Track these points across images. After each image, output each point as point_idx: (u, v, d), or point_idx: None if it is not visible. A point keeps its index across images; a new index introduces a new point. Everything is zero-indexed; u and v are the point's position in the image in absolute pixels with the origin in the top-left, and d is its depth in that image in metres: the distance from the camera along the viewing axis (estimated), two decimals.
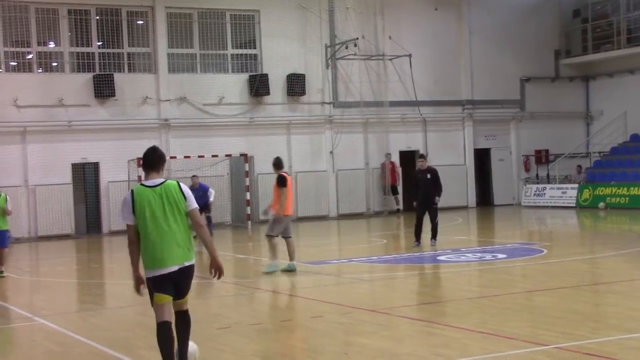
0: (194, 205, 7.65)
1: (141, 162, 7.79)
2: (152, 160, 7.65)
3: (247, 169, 27.60)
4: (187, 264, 7.57)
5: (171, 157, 27.29)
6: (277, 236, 15.22)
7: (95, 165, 27.16)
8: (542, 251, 17.13)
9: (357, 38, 29.58)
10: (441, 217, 19.17)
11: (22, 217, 25.94)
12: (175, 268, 7.50)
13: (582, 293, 12.07)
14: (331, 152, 30.25)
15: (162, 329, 7.49)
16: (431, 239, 18.46)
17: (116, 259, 21.26)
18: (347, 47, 29.66)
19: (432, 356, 8.29)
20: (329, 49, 30.25)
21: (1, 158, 25.87)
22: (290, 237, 15.33)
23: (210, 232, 24.26)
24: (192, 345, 7.89)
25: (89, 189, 27.60)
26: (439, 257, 16.70)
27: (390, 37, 30.93)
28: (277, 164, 15.69)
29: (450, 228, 23.37)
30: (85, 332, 10.49)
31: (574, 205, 29.97)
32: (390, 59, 30.75)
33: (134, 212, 7.46)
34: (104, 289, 15.45)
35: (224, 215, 28.14)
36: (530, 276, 14.36)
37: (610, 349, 8.28)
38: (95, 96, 26.94)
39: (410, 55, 30.52)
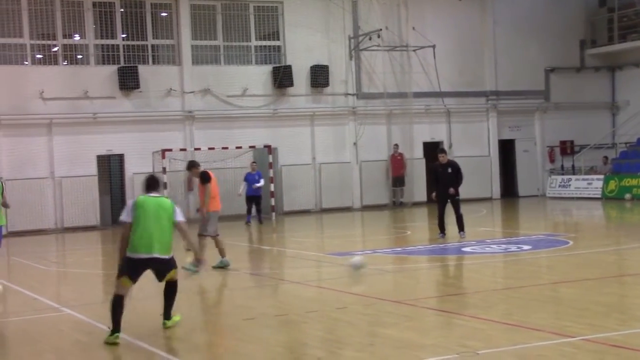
0: (180, 217, 9.80)
1: (144, 185, 9.96)
2: (152, 184, 9.90)
3: (270, 160, 27.66)
4: (160, 256, 9.56)
5: (195, 149, 27.44)
6: (214, 235, 14.88)
7: (120, 157, 27.32)
8: (568, 242, 17.04)
9: (381, 29, 29.51)
10: (466, 209, 19.06)
11: (49, 209, 26.18)
12: (151, 255, 9.51)
13: (608, 285, 12.00)
14: (355, 144, 30.21)
15: (117, 299, 9.57)
16: (460, 232, 18.28)
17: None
18: (370, 38, 29.60)
19: (457, 347, 8.28)
20: (352, 40, 30.19)
21: (28, 150, 26.09)
22: (218, 235, 14.97)
23: (259, 220, 24.78)
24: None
25: (114, 181, 27.78)
26: (463, 249, 16.65)
27: (414, 28, 30.80)
28: (191, 164, 15.24)
29: (474, 219, 23.28)
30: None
31: (599, 196, 29.76)
32: (414, 50, 30.64)
33: (133, 213, 9.55)
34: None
35: None
36: (556, 267, 14.29)
37: (637, 341, 8.23)
38: (120, 88, 27.09)
39: (434, 46, 30.38)
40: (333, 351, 8.56)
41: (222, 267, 14.89)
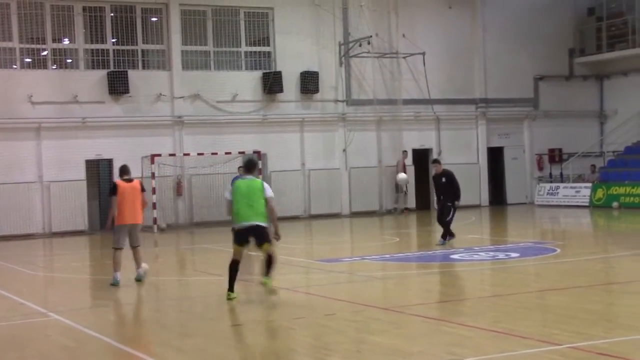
0: (270, 194, 12.11)
1: (242, 166, 12.76)
2: (247, 168, 12.55)
3: (260, 166, 27.64)
4: (257, 223, 11.96)
5: (184, 154, 27.41)
6: (116, 247, 14.27)
7: (109, 162, 27.25)
8: (555, 250, 17.09)
9: (371, 36, 29.54)
10: (455, 216, 19.08)
11: (36, 213, 26.09)
12: (251, 223, 11.94)
13: (595, 292, 12.05)
14: (344, 150, 30.24)
15: (232, 263, 12.21)
16: (441, 238, 18.57)
17: (129, 255, 21.31)
18: (360, 45, 29.63)
19: (445, 355, 8.29)
20: (342, 46, 30.24)
21: (16, 154, 26.00)
22: (118, 248, 14.29)
23: None
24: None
25: (103, 186, 27.67)
26: (451, 256, 16.68)
27: (404, 35, 30.89)
28: (121, 170, 14.91)
29: (463, 227, 23.31)
30: (99, 328, 10.55)
31: (587, 204, 29.87)
32: (403, 57, 30.71)
33: (233, 192, 12.26)
34: (118, 285, 15.47)
35: None
36: (544, 275, 14.33)
37: (623, 349, 8.26)
38: (110, 93, 27.03)
39: (424, 54, 30.48)
40: (320, 358, 8.57)
41: (114, 284, 14.19)
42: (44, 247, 23.83)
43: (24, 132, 26.17)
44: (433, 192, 21.10)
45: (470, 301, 11.74)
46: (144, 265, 14.57)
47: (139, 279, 14.45)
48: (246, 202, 12.05)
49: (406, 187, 29.76)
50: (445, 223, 18.56)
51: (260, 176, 12.42)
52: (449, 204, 18.58)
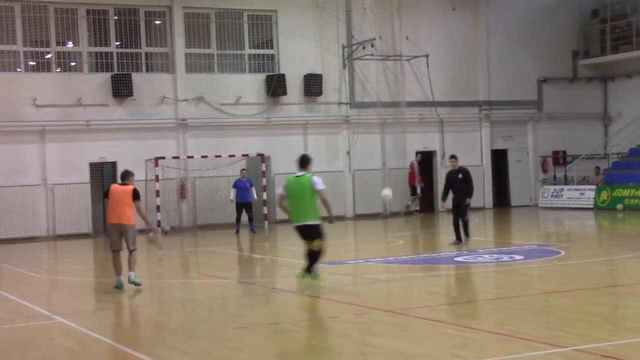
0: (319, 187, 12.75)
1: (297, 162, 13.16)
2: (300, 164, 13.06)
3: (263, 169, 27.66)
4: (308, 223, 12.85)
5: (188, 157, 27.43)
6: (111, 250, 14.26)
7: (113, 165, 27.26)
8: (560, 252, 17.07)
9: (374, 38, 29.57)
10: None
11: (41, 216, 26.13)
12: (300, 224, 12.87)
13: (600, 295, 12.02)
14: (348, 153, 30.24)
15: (307, 252, 13.03)
16: (465, 236, 18.76)
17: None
18: (364, 48, 29.66)
19: (449, 357, 8.28)
20: (346, 49, 30.26)
21: (20, 157, 26.05)
22: (114, 250, 14.18)
23: (251, 228, 24.76)
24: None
25: (107, 188, 27.65)
26: (455, 258, 16.67)
27: (407, 38, 30.90)
28: (121, 175, 14.94)
29: None
30: (103, 331, 10.55)
31: (591, 206, 29.83)
32: (407, 59, 30.72)
33: (285, 189, 13.00)
34: (122, 288, 15.48)
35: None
36: (548, 277, 14.31)
37: (628, 352, 8.24)
38: (114, 96, 27.08)
39: (427, 56, 30.48)
40: None
41: (118, 287, 14.05)
42: (48, 249, 23.86)
43: (28, 135, 26.22)
44: (437, 193, 21.07)
45: (474, 303, 11.72)
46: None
47: (131, 282, 14.13)
48: (294, 201, 12.79)
49: (420, 190, 29.45)
50: (464, 222, 18.67)
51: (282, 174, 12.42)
52: (464, 202, 18.62)
